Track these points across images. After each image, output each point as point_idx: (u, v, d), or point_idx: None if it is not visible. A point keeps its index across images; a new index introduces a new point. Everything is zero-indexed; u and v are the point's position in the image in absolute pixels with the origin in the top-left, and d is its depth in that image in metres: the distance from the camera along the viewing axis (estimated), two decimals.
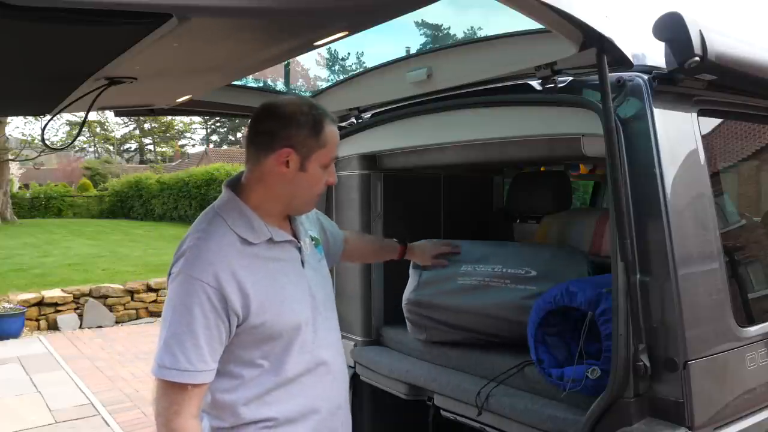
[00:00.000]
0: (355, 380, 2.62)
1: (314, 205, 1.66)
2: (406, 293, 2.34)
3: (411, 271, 2.39)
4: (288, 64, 3.38)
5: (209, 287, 1.41)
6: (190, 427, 1.41)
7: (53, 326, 7.89)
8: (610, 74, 1.50)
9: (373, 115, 2.56)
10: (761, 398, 1.78)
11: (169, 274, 1.49)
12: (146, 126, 47.98)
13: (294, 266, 1.59)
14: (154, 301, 8.59)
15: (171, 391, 1.41)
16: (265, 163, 1.52)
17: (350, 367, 2.65)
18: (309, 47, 1.51)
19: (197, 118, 47.58)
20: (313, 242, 1.73)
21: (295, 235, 1.64)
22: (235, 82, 2.30)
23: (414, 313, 2.32)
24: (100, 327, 8.06)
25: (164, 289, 8.60)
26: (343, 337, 2.68)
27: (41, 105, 2.07)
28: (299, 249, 1.62)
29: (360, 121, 2.60)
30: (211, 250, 1.46)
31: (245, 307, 1.45)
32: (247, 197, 1.55)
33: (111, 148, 50.04)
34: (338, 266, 2.63)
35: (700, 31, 1.51)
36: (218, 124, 52.02)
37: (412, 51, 2.68)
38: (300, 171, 1.52)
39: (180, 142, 51.98)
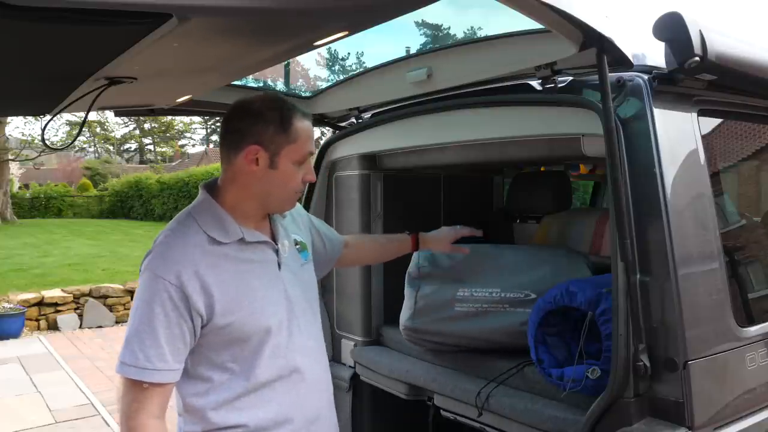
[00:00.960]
0: (355, 380, 2.62)
1: (292, 203, 1.61)
2: (403, 318, 2.30)
3: (406, 290, 2.33)
4: (288, 64, 3.38)
5: (170, 285, 1.40)
6: (149, 427, 1.38)
7: (53, 326, 7.89)
8: (610, 74, 1.50)
9: (373, 115, 2.56)
10: (761, 398, 1.78)
11: (140, 272, 1.49)
12: (146, 126, 48.00)
13: (268, 268, 1.56)
14: None
15: (132, 389, 1.40)
16: (236, 163, 1.50)
17: (350, 367, 2.65)
18: (309, 47, 1.51)
19: (197, 118, 47.59)
20: (297, 246, 1.69)
21: (273, 236, 1.61)
22: (235, 82, 2.29)
23: (412, 338, 2.32)
24: (100, 327, 8.06)
25: None
26: (342, 337, 2.71)
27: (41, 105, 2.07)
28: (276, 251, 1.59)
29: (360, 121, 2.61)
30: (176, 248, 1.45)
31: (209, 306, 1.43)
32: (222, 198, 1.54)
33: (111, 148, 50.06)
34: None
35: (700, 31, 1.51)
36: (218, 124, 51.73)
37: (412, 51, 2.68)
38: (270, 168, 1.49)
39: (180, 142, 52.02)
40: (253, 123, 1.48)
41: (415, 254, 2.34)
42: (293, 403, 1.55)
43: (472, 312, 2.17)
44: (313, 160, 1.57)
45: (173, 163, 42.73)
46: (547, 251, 2.34)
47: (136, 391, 1.39)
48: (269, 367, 1.51)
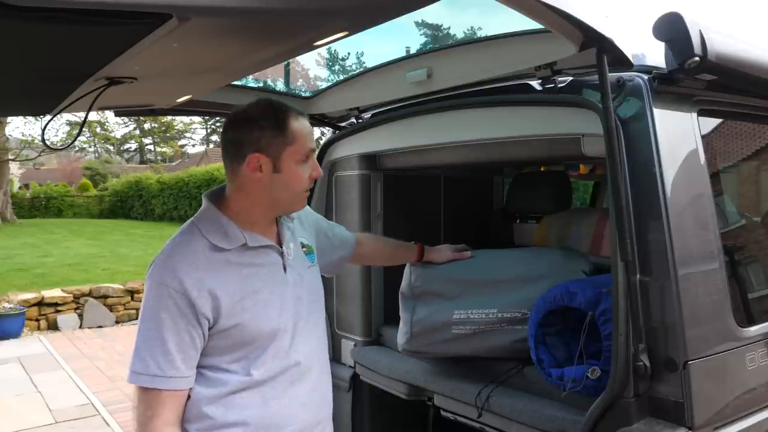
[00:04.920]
0: (355, 380, 2.62)
1: (303, 202, 1.63)
2: (400, 341, 2.26)
3: (401, 312, 2.27)
4: (288, 64, 3.38)
5: (175, 292, 1.40)
6: None
7: (53, 326, 7.90)
8: (610, 74, 1.50)
9: (373, 115, 2.56)
10: (761, 398, 1.78)
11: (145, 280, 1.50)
12: (146, 126, 48.04)
13: (272, 271, 1.56)
14: None
15: (145, 397, 1.41)
16: (240, 173, 1.51)
17: (350, 367, 2.65)
18: (309, 47, 1.51)
19: (197, 118, 47.61)
20: (304, 249, 1.70)
21: (279, 240, 1.62)
22: (235, 82, 2.29)
23: (409, 355, 2.32)
24: (100, 327, 8.07)
25: None
26: (343, 337, 2.70)
27: (41, 105, 2.07)
28: (281, 254, 1.59)
29: (360, 121, 2.61)
30: (179, 255, 1.46)
31: (215, 309, 1.43)
32: (226, 206, 1.55)
33: (111, 148, 50.11)
34: None
35: (700, 31, 1.51)
36: (218, 124, 51.92)
37: (412, 51, 2.68)
38: (275, 173, 1.50)
39: (180, 142, 52.05)
40: (250, 131, 1.49)
41: (406, 270, 2.28)
42: (294, 403, 1.54)
43: (469, 333, 2.12)
44: (314, 156, 1.58)
45: (173, 163, 42.78)
46: (545, 261, 2.19)
47: (150, 399, 1.40)
48: (270, 368, 1.51)
